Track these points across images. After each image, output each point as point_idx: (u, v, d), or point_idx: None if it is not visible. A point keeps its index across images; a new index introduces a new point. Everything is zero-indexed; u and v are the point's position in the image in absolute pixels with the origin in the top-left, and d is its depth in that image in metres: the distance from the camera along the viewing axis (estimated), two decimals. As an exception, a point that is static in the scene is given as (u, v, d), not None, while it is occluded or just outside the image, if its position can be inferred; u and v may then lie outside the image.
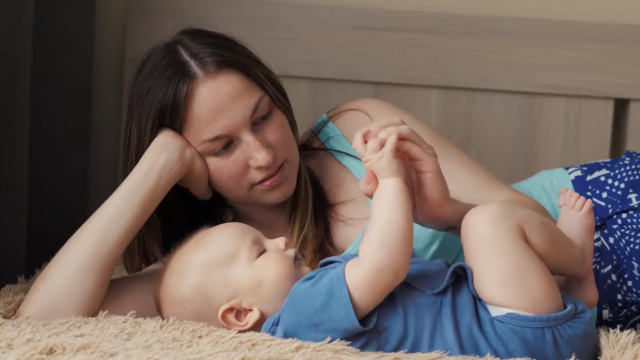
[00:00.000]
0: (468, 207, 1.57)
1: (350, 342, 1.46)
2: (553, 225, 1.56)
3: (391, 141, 1.51)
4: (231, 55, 1.76)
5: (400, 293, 1.49)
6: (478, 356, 1.47)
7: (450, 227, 1.62)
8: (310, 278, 1.51)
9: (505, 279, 1.48)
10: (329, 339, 1.45)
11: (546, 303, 1.47)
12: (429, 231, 1.80)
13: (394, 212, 1.48)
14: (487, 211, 1.52)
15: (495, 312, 1.48)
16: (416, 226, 1.78)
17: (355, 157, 1.87)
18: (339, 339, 1.45)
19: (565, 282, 1.62)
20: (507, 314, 1.47)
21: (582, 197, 1.62)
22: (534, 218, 1.53)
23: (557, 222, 1.62)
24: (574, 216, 1.61)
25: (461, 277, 1.53)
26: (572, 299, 1.53)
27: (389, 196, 1.49)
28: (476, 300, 1.50)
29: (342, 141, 1.91)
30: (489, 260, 1.49)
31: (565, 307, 1.50)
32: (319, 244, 1.82)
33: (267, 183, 1.77)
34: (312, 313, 1.47)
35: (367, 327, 1.46)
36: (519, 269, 1.48)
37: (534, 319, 1.46)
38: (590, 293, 1.60)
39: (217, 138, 1.74)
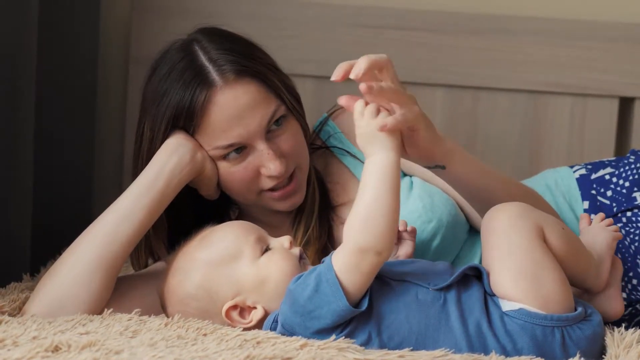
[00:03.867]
0: (456, 147, 1.62)
1: (354, 340, 1.46)
2: (572, 233, 1.58)
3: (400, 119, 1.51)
4: (251, 64, 1.74)
5: (402, 289, 1.50)
6: (484, 353, 1.47)
7: (438, 166, 1.63)
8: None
9: (519, 273, 1.49)
10: (333, 337, 1.45)
11: (558, 302, 1.48)
12: (430, 226, 1.80)
13: (383, 191, 1.46)
14: (508, 208, 1.54)
15: (507, 306, 1.49)
16: (417, 223, 1.79)
17: (355, 157, 1.88)
18: (333, 325, 1.46)
19: (584, 296, 1.64)
20: (519, 309, 1.48)
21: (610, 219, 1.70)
22: (555, 222, 1.55)
23: (580, 235, 1.66)
24: (600, 232, 1.65)
25: (470, 277, 1.53)
26: (582, 302, 1.54)
27: (381, 173, 1.47)
28: (487, 297, 1.51)
29: (342, 139, 1.91)
30: (506, 254, 1.50)
31: (575, 309, 1.51)
32: (322, 246, 1.82)
33: (276, 194, 1.77)
34: (305, 301, 1.47)
35: (360, 308, 1.46)
36: (534, 265, 1.49)
37: (544, 317, 1.47)
38: (615, 304, 1.62)
39: (230, 145, 1.73)
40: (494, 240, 1.52)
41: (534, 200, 1.75)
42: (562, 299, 1.48)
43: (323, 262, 1.51)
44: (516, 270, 1.49)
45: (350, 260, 1.46)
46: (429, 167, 1.65)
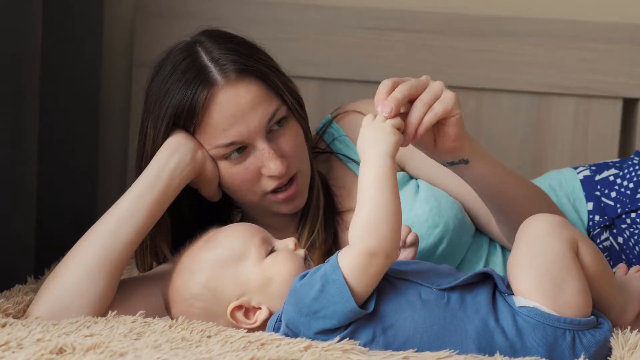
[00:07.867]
0: (481, 146, 1.62)
1: (358, 342, 1.46)
2: (604, 259, 1.59)
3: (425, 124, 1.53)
4: (252, 64, 1.75)
5: (405, 288, 1.50)
6: (491, 350, 1.46)
7: (462, 160, 1.62)
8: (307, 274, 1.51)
9: (545, 273, 1.49)
10: (337, 338, 1.45)
11: (574, 310, 1.49)
12: (437, 231, 1.80)
13: (387, 196, 1.47)
14: (548, 217, 1.56)
15: (522, 302, 1.49)
16: (424, 226, 1.78)
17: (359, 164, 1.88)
18: (339, 326, 1.46)
19: None
20: (533, 307, 1.48)
21: None
22: (591, 242, 1.57)
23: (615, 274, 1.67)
24: (635, 279, 1.66)
25: (475, 282, 1.53)
26: (593, 311, 1.54)
27: (380, 178, 1.47)
28: (497, 297, 1.51)
29: (347, 142, 1.91)
30: (537, 254, 1.51)
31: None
32: (327, 250, 1.82)
33: (280, 196, 1.77)
34: (310, 301, 1.47)
35: (366, 310, 1.46)
36: (561, 270, 1.50)
37: (557, 319, 1.48)
38: None
39: (231, 144, 1.73)
40: (529, 240, 1.53)
41: (557, 212, 1.75)
42: (580, 308, 1.49)
43: (327, 262, 1.51)
44: (542, 270, 1.50)
45: (359, 263, 1.46)
46: (452, 163, 1.62)
